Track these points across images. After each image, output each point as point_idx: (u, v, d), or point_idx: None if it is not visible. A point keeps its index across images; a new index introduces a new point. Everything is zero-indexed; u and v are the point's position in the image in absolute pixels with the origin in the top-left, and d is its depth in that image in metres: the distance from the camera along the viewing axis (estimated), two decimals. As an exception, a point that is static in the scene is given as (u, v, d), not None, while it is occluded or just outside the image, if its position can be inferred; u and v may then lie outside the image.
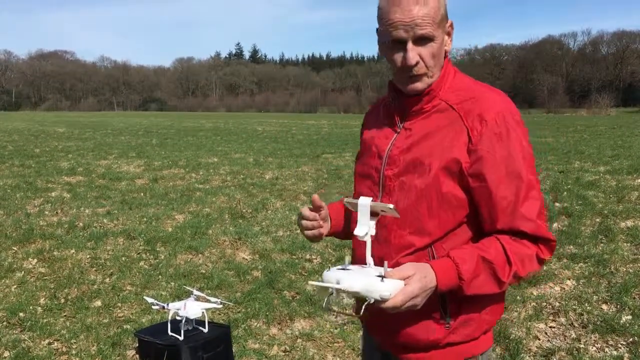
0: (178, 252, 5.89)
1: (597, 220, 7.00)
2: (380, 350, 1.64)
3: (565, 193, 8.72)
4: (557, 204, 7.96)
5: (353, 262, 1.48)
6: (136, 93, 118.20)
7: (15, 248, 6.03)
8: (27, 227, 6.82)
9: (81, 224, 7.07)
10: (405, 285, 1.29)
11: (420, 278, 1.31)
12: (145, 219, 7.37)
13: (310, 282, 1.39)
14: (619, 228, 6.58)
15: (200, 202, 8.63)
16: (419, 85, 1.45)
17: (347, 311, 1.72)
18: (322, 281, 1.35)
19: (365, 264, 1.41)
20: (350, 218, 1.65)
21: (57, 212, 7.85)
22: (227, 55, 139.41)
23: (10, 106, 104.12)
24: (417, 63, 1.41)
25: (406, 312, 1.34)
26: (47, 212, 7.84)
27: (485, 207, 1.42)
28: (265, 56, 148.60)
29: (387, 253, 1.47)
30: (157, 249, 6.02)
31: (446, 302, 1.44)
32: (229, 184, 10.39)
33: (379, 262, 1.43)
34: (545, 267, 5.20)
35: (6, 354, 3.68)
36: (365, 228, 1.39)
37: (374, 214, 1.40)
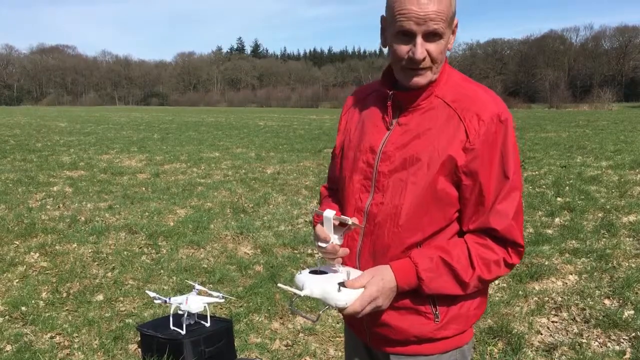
0: (180, 247, 5.90)
1: (599, 215, 6.99)
2: (365, 346, 1.66)
3: (567, 188, 8.70)
4: (559, 199, 7.95)
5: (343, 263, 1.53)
6: (138, 88, 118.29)
7: (17, 242, 6.04)
8: (29, 222, 6.82)
9: (83, 218, 7.07)
10: (363, 289, 1.36)
11: (378, 281, 1.38)
12: (147, 214, 7.37)
13: (278, 285, 1.48)
14: (621, 223, 6.57)
15: (202, 196, 8.63)
16: (422, 80, 1.42)
17: (308, 314, 1.79)
18: (294, 283, 1.44)
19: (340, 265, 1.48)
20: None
21: (59, 207, 7.86)
22: (229, 50, 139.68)
23: (11, 101, 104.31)
24: (424, 58, 1.38)
25: (397, 309, 1.45)
26: (49, 207, 7.84)
27: (470, 205, 1.44)
28: (267, 51, 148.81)
29: (381, 250, 1.47)
30: (159, 244, 6.02)
31: (435, 299, 1.46)
32: (230, 179, 10.38)
33: (369, 258, 1.48)
34: (547, 262, 5.20)
35: (8, 347, 3.68)
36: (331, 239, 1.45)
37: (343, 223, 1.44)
